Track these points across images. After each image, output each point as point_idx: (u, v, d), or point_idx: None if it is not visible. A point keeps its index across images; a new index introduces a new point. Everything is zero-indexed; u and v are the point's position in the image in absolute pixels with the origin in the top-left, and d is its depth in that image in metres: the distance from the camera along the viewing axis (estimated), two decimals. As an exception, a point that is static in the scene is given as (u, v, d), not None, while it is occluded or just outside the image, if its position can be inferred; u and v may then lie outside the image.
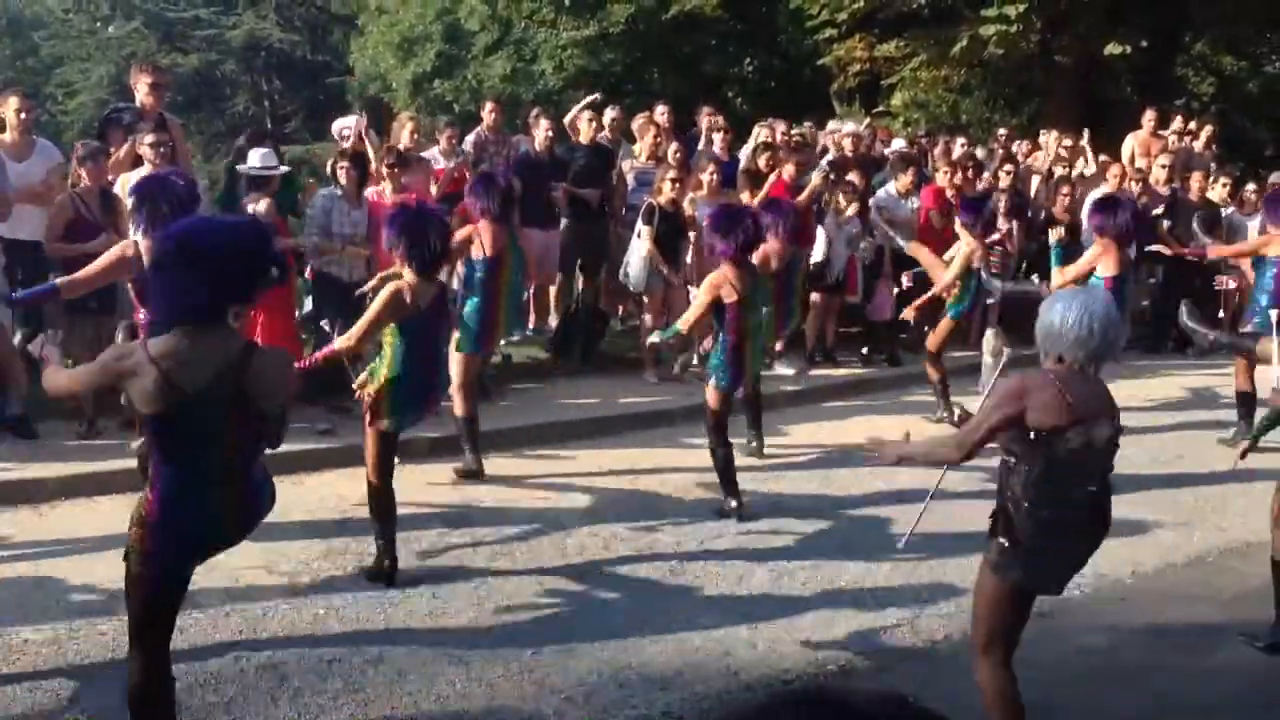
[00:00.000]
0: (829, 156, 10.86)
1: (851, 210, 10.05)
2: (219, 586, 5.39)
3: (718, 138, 10.69)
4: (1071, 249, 11.47)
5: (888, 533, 6.34)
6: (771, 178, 9.65)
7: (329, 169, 8.27)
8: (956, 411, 8.39)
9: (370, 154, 8.46)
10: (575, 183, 9.76)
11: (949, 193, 10.34)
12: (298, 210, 8.47)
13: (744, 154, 10.59)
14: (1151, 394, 9.70)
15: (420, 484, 6.79)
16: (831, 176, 9.96)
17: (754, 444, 7.76)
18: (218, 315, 3.58)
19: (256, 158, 7.70)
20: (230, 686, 4.50)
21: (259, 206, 7.44)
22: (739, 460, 7.74)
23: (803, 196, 9.50)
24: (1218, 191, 11.83)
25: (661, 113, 10.87)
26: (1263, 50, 19.64)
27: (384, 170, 8.19)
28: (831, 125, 12.75)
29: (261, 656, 4.75)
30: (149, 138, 7.09)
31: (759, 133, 10.92)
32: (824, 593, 5.65)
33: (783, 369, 9.54)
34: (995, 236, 10.11)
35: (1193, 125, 13.92)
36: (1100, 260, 7.80)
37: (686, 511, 6.72)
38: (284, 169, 8.01)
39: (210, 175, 19.24)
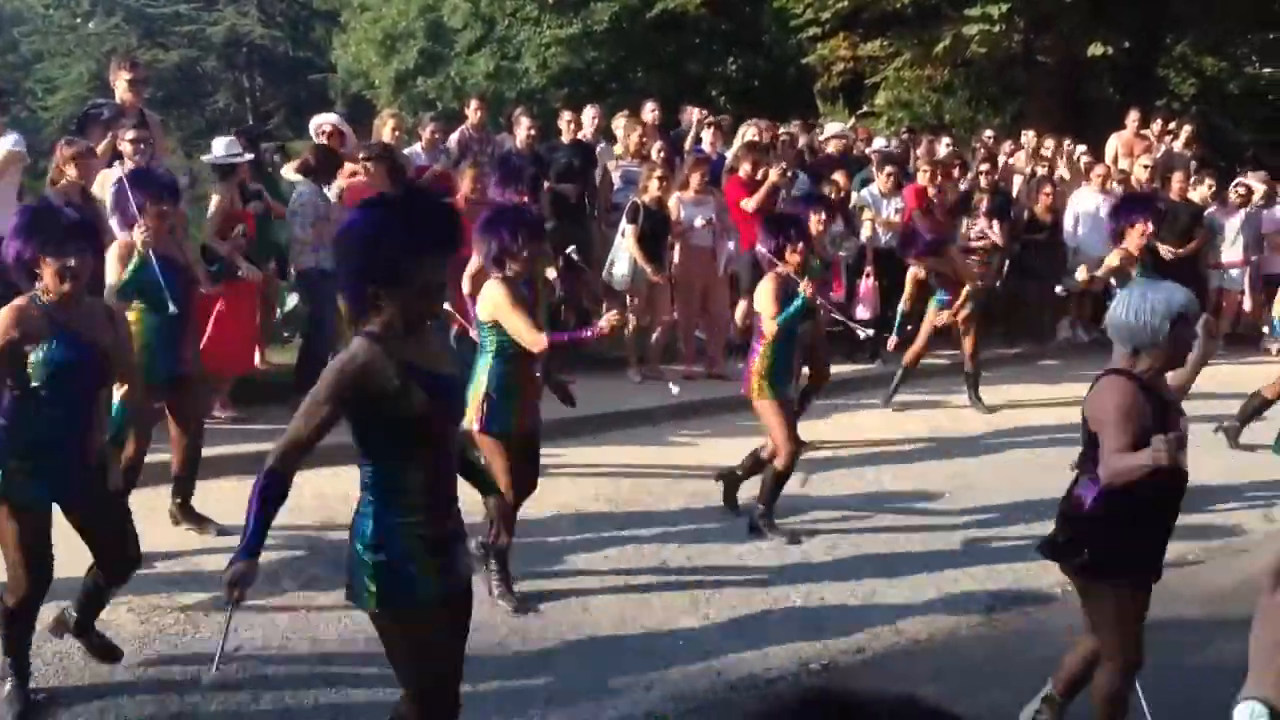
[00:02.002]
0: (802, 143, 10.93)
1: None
2: (200, 586, 5.36)
3: (706, 135, 10.69)
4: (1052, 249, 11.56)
5: (869, 531, 6.34)
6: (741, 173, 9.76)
7: (303, 161, 8.26)
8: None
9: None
10: (557, 181, 9.75)
11: (931, 192, 10.36)
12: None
13: (730, 153, 10.58)
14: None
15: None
16: (789, 173, 9.98)
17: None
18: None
19: (220, 146, 7.73)
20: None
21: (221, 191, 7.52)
22: (722, 458, 7.76)
23: (759, 195, 9.54)
24: (1200, 191, 11.89)
25: (651, 110, 10.87)
26: (1244, 51, 19.72)
27: (366, 165, 8.19)
28: (828, 130, 12.74)
29: (244, 656, 4.72)
30: (130, 134, 7.04)
31: (745, 132, 10.92)
32: (806, 591, 5.65)
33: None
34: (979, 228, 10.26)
35: (1173, 125, 13.99)
36: None
37: (669, 511, 6.71)
38: (248, 156, 7.97)
39: (191, 172, 19.12)
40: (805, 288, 6.17)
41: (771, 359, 6.24)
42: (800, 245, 6.31)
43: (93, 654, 4.52)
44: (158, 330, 5.67)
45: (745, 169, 9.78)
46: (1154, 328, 3.72)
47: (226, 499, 6.56)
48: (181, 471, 6.10)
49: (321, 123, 8.98)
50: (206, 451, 7.00)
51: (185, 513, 6.16)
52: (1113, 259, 7.52)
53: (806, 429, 8.31)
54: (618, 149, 10.39)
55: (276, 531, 6.02)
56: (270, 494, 3.25)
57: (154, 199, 5.65)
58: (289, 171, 8.69)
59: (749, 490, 6.62)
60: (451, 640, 3.38)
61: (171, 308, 5.60)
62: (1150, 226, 7.39)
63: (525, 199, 6.65)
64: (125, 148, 6.98)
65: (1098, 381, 3.84)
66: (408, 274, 3.16)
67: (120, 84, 7.81)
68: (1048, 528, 6.55)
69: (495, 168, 7.11)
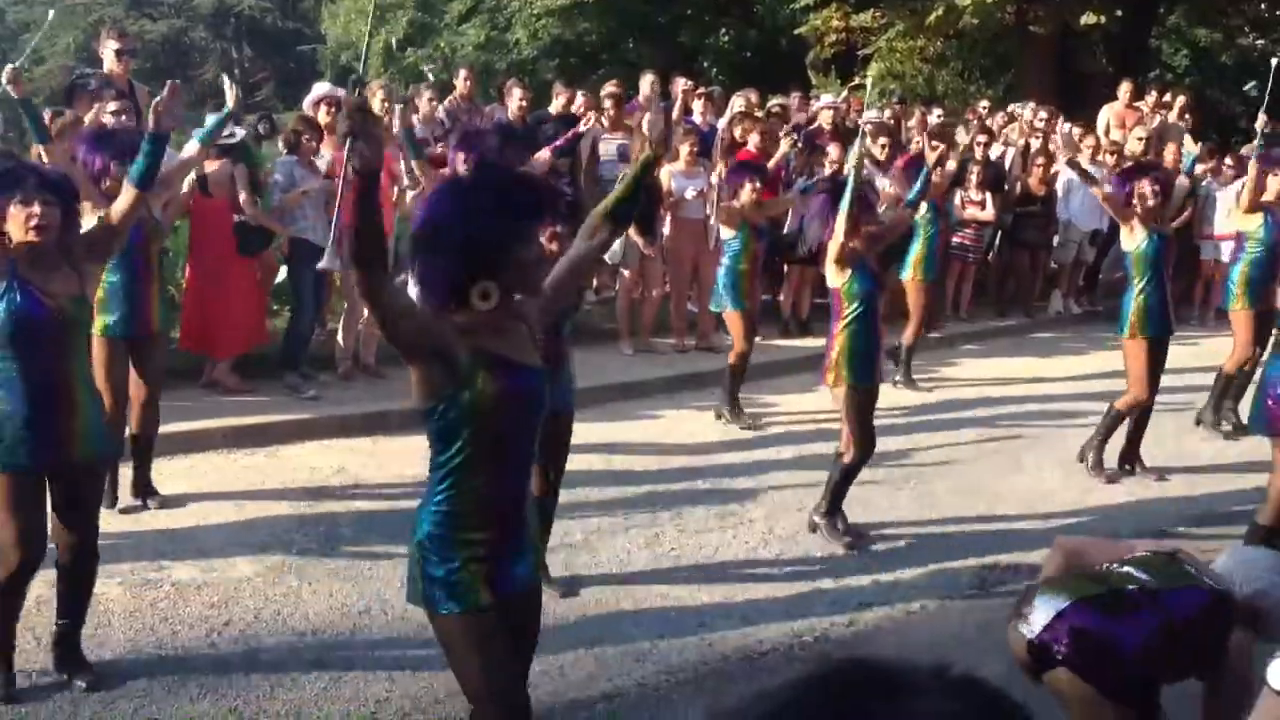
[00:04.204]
0: (794, 121, 10.90)
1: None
2: (191, 560, 5.35)
3: (697, 105, 10.64)
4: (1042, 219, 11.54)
5: (858, 505, 6.33)
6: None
7: (286, 136, 8.17)
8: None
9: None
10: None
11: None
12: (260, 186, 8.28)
13: (721, 124, 10.53)
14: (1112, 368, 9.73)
15: (393, 456, 6.74)
16: (799, 144, 9.95)
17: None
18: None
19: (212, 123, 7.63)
20: (202, 660, 4.47)
21: (221, 166, 7.45)
22: (715, 430, 7.77)
23: (770, 164, 9.51)
24: (1210, 163, 11.88)
25: (650, 82, 10.81)
26: (1236, 22, 19.65)
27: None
28: (824, 100, 12.68)
29: (234, 631, 4.72)
30: (111, 105, 6.97)
31: (736, 103, 10.87)
32: (799, 562, 5.66)
33: None
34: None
35: (1167, 97, 13.96)
36: None
37: (662, 482, 6.71)
38: (241, 133, 7.90)
39: (178, 144, 19.00)
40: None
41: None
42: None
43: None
44: (115, 288, 5.63)
45: (755, 141, 9.73)
46: None
47: (213, 471, 6.57)
48: (139, 436, 5.97)
49: (326, 94, 8.75)
50: (204, 423, 7.01)
51: (139, 481, 6.03)
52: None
53: (794, 403, 8.35)
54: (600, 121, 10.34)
55: (269, 505, 6.06)
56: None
57: (119, 160, 5.60)
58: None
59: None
60: (518, 645, 3.16)
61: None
62: (1154, 186, 6.84)
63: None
64: (107, 119, 6.91)
65: None
66: (508, 256, 2.91)
67: (108, 54, 7.73)
68: (1036, 500, 6.61)
69: (458, 136, 6.91)
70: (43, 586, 4.35)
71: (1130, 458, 7.15)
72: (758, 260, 7.93)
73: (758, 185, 7.73)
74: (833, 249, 5.81)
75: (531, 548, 3.16)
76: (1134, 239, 6.86)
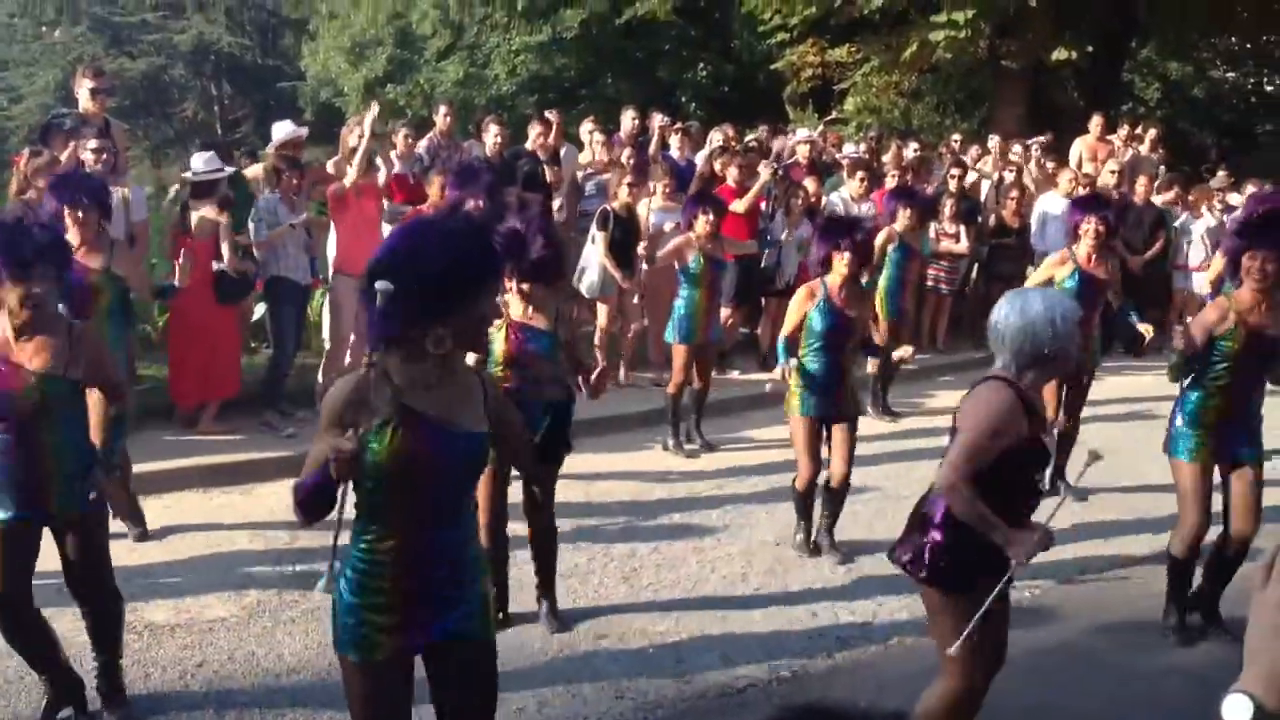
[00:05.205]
0: (775, 149, 10.98)
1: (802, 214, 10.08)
2: (165, 600, 5.31)
3: (674, 140, 10.71)
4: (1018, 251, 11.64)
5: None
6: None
7: (264, 172, 8.19)
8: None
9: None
10: (522, 188, 9.73)
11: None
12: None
13: (700, 158, 10.60)
14: (1094, 395, 9.77)
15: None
16: (780, 173, 10.02)
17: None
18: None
19: (200, 161, 7.63)
20: (175, 704, 4.43)
21: (208, 212, 7.40)
22: (692, 465, 7.77)
23: (750, 195, 9.58)
24: (1166, 196, 12.01)
25: (632, 118, 10.87)
26: (1207, 56, 19.94)
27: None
28: (800, 134, 12.79)
29: (208, 673, 4.68)
30: (92, 143, 6.98)
31: (715, 138, 10.95)
32: (777, 596, 5.65)
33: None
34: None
35: (1139, 130, 14.13)
36: None
37: (640, 516, 6.71)
38: (229, 170, 7.91)
39: (160, 181, 18.99)
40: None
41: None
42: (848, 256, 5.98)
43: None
44: None
45: (733, 174, 9.80)
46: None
47: (190, 510, 6.53)
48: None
49: (287, 136, 8.67)
50: (180, 462, 6.98)
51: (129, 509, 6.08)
52: (1047, 264, 7.14)
53: (771, 436, 8.35)
54: (584, 156, 10.39)
55: (245, 544, 6.02)
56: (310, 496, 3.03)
57: (71, 205, 5.60)
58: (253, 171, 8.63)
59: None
60: (451, 693, 3.11)
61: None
62: (1099, 226, 6.75)
63: (480, 203, 6.38)
64: (87, 157, 6.92)
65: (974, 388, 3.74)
66: (471, 304, 2.86)
67: (83, 94, 7.72)
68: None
69: (454, 171, 7.01)
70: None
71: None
72: (714, 293, 7.91)
73: (711, 218, 7.74)
74: (782, 336, 6.14)
75: (467, 599, 3.03)
76: (1060, 273, 6.91)
